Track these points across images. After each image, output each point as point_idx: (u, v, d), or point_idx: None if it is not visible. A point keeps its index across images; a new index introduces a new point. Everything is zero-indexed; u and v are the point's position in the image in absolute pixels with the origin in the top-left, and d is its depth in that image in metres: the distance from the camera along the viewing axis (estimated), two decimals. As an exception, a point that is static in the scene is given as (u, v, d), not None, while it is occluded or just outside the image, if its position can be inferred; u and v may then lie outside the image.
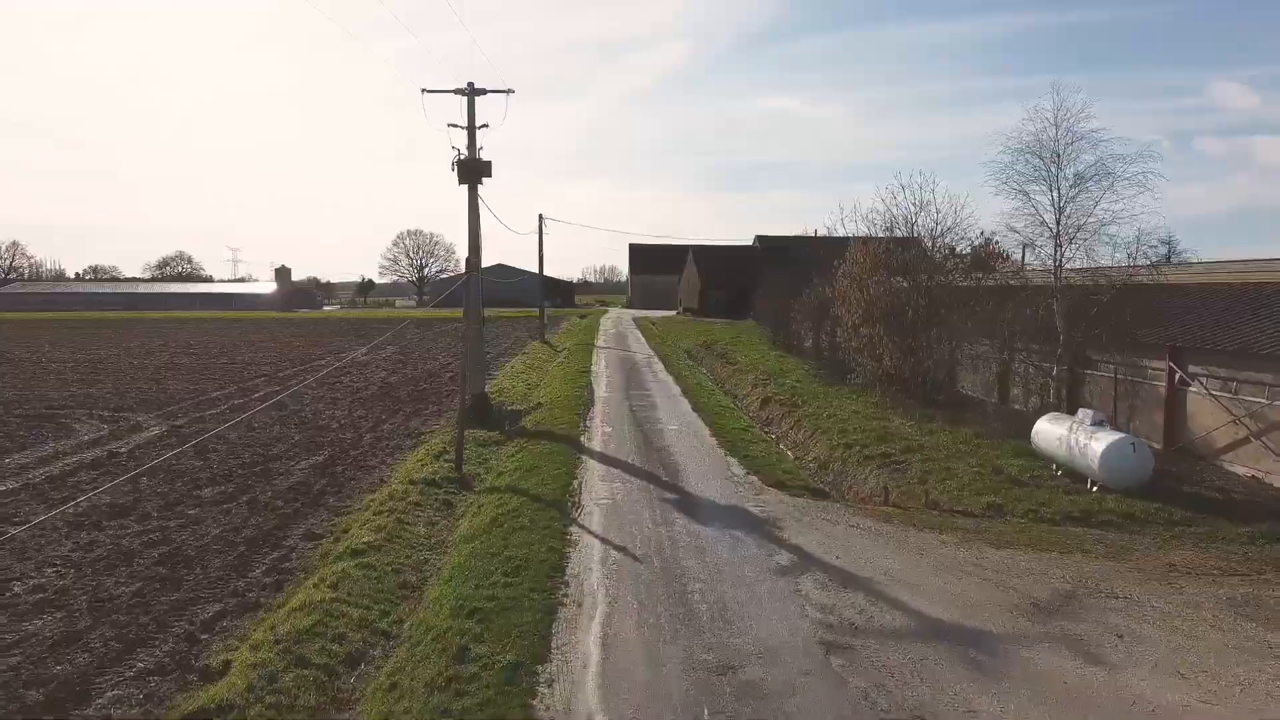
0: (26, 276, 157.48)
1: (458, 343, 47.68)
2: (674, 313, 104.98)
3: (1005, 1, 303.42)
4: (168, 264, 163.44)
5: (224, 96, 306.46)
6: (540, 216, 60.24)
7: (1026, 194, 21.48)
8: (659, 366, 42.91)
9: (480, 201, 30.44)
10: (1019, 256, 24.78)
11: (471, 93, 30.15)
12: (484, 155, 30.17)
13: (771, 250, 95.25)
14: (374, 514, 18.61)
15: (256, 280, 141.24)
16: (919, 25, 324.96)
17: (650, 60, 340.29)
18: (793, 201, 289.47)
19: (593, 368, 41.76)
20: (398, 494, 20.23)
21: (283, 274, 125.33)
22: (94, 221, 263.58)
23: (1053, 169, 20.92)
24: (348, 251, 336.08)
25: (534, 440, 24.76)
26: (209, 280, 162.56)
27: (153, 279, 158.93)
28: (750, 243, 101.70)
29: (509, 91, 30.84)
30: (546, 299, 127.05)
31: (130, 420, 30.98)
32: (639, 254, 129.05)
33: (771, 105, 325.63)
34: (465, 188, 30.35)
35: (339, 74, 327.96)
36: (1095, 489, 18.12)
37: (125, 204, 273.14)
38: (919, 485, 19.37)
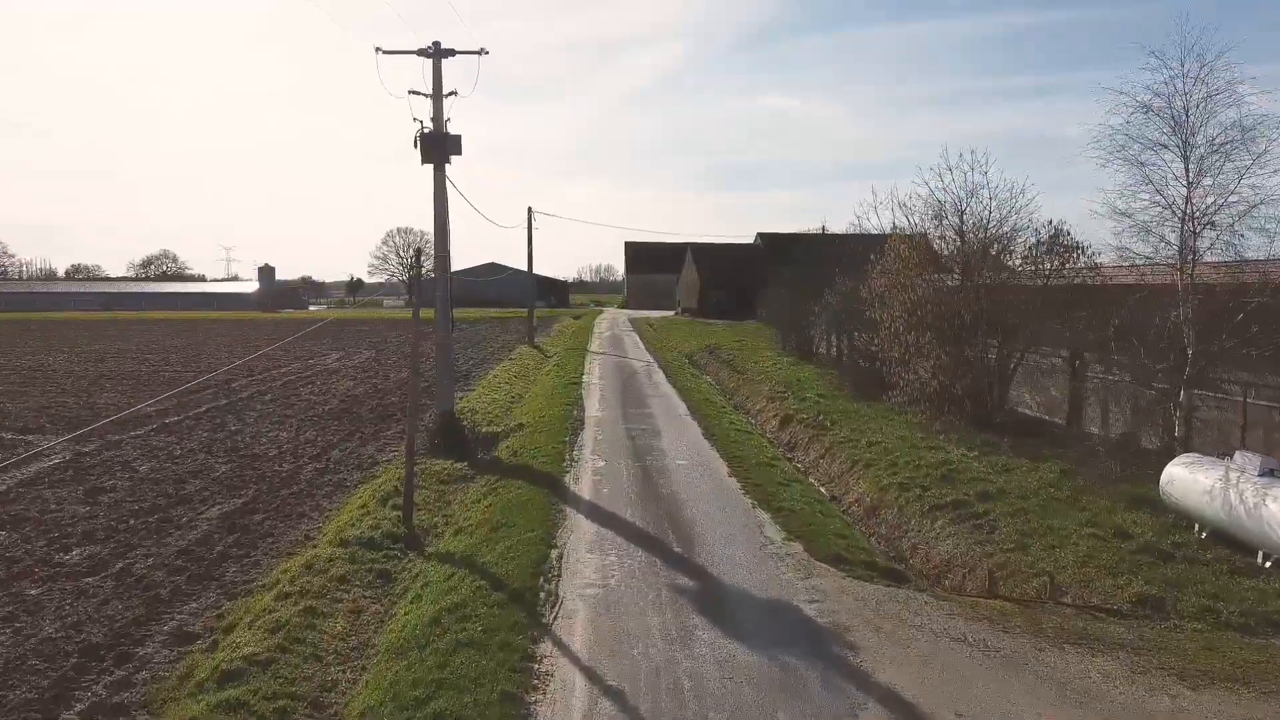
0: (9, 276, 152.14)
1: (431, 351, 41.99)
2: (672, 313, 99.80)
3: (1005, 1, 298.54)
4: (152, 263, 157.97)
5: (224, 96, 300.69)
6: (529, 209, 55.11)
7: (1142, 165, 16.33)
8: (659, 376, 37.70)
9: (449, 184, 25.24)
10: (1108, 246, 19.56)
11: (437, 54, 24.91)
12: (452, 129, 24.99)
13: (775, 248, 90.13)
14: (278, 598, 13.37)
15: (247, 279, 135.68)
16: (917, 25, 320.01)
17: (650, 60, 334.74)
18: (793, 201, 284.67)
19: (585, 378, 36.54)
20: (320, 561, 15.01)
21: (266, 273, 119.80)
22: (91, 221, 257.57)
23: (1181, 134, 15.76)
24: (347, 251, 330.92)
25: (508, 479, 19.54)
26: (200, 279, 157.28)
27: (136, 278, 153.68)
28: (752, 240, 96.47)
29: (481, 52, 25.67)
30: (539, 299, 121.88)
31: (32, 445, 25.73)
32: (636, 252, 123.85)
33: (771, 104, 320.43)
34: (430, 168, 25.16)
35: (339, 73, 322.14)
36: (1269, 565, 12.98)
37: (124, 204, 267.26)
38: (1019, 554, 14.18)
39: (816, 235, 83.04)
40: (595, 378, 36.59)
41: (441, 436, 24.59)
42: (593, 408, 28.12)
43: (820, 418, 26.71)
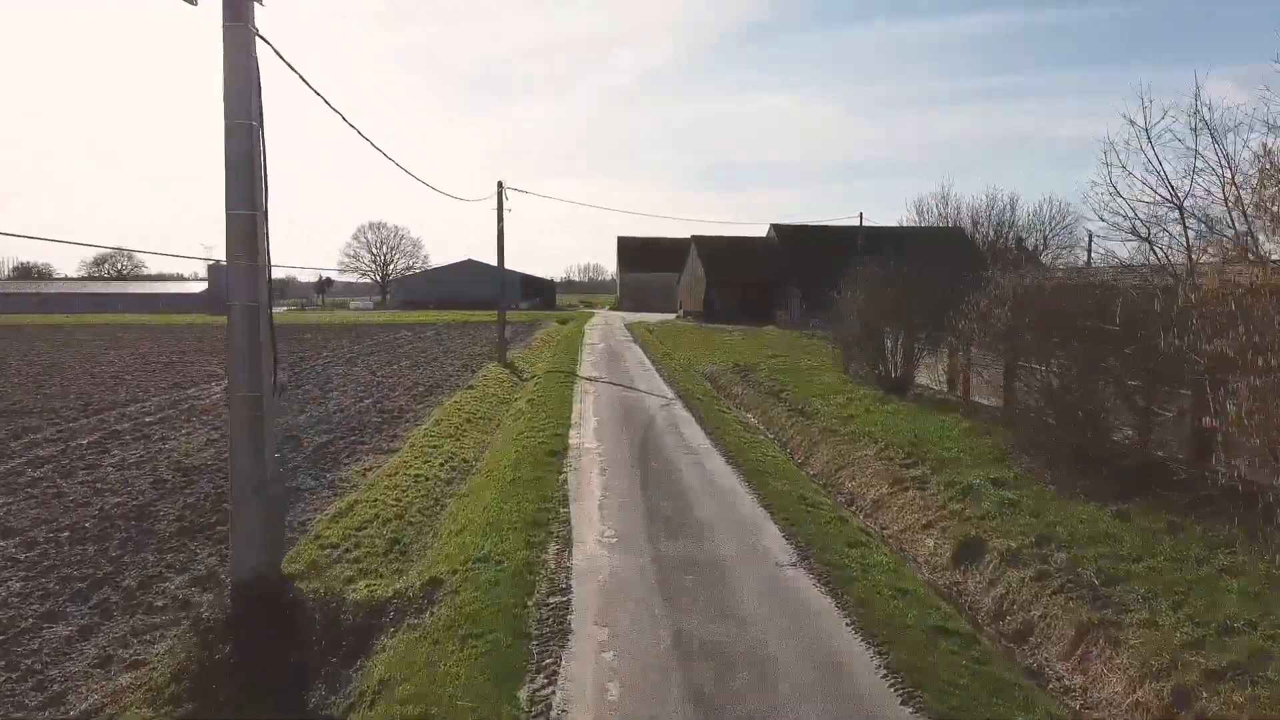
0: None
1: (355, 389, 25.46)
2: (673, 316, 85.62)
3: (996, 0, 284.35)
4: (104, 261, 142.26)
5: (210, 92, 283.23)
6: (500, 184, 40.45)
7: None
8: (692, 428, 23.32)
9: (257, 40, 10.76)
10: None
11: None
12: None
13: (792, 242, 76.08)
14: None
15: (194, 278, 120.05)
16: (908, 23, 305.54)
17: (639, 58, 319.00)
18: (789, 200, 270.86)
19: (573, 437, 22.10)
20: None
21: (216, 271, 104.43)
22: (70, 221, 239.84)
23: None
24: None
25: None
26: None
27: (90, 277, 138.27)
28: (765, 234, 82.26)
29: None
30: (522, 299, 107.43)
31: None
32: (628, 249, 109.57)
33: (763, 103, 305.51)
34: (219, 18, 10.72)
35: (330, 70, 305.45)
36: None
37: (105, 203, 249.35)
38: None
39: (847, 228, 68.97)
40: (589, 435, 22.11)
41: (238, 639, 10.19)
42: (588, 535, 13.46)
43: (1053, 552, 12.53)
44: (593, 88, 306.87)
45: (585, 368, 38.55)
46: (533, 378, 36.82)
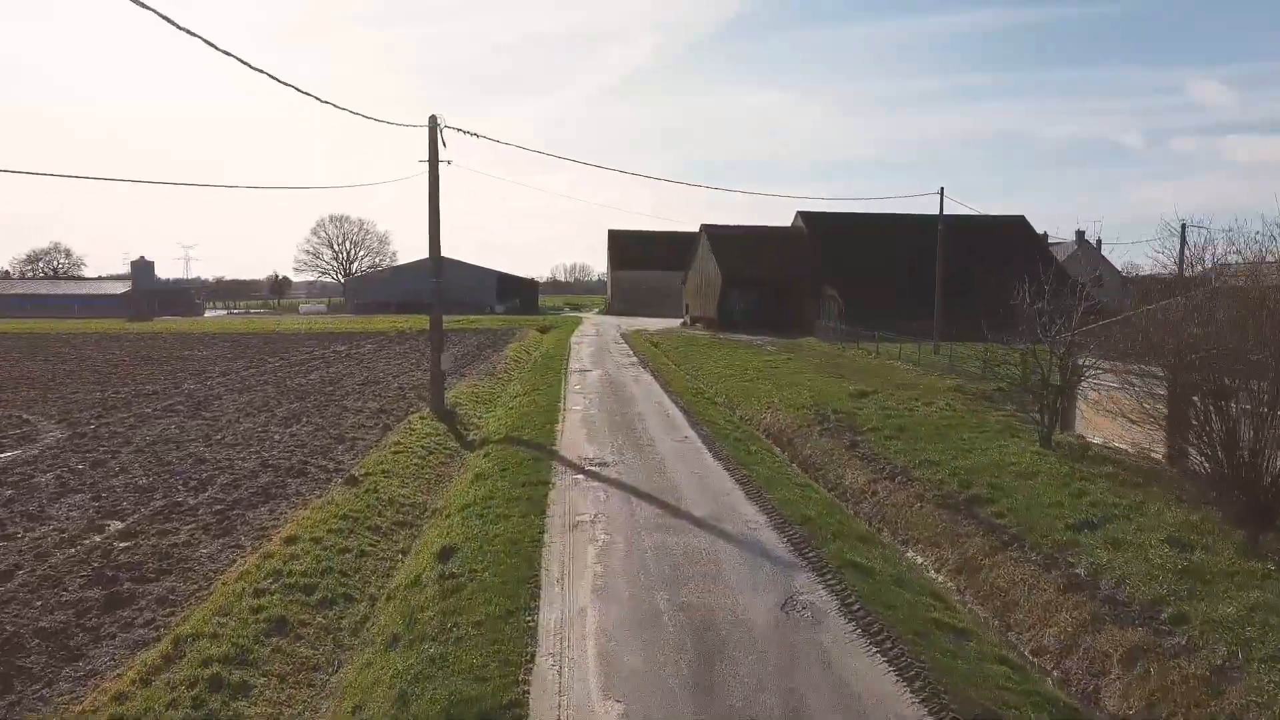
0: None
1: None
2: (677, 323, 69.35)
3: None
4: (39, 259, 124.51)
5: (186, 93, 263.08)
6: (433, 118, 23.92)
7: None
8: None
9: None
10: None
11: None
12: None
13: (826, 232, 60.18)
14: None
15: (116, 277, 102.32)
16: (896, 22, 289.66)
17: (625, 56, 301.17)
18: (784, 197, 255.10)
19: None
20: None
21: (141, 269, 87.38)
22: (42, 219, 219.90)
23: None
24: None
25: None
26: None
27: (21, 277, 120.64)
28: (790, 224, 66.05)
29: None
30: (499, 301, 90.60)
31: None
32: (621, 243, 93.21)
33: (754, 100, 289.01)
34: None
35: (312, 70, 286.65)
36: None
37: (77, 202, 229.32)
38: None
39: (899, 217, 53.13)
40: None
41: None
42: None
43: None
44: (579, 86, 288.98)
45: (572, 427, 22.18)
46: (482, 446, 20.51)
